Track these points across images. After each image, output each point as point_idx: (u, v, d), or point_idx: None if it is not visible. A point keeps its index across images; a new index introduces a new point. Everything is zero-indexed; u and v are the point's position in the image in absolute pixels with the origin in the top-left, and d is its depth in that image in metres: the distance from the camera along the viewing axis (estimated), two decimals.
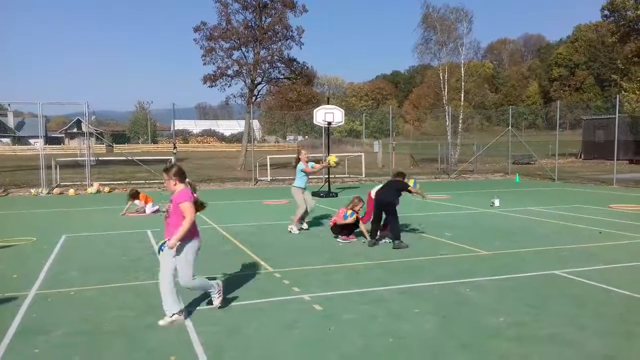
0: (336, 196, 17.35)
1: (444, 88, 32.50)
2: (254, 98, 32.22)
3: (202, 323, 5.22)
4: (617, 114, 21.15)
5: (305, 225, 10.74)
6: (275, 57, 31.77)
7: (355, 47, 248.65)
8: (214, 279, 5.82)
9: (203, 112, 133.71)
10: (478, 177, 26.24)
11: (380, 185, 9.64)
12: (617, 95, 24.14)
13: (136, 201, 13.47)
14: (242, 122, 44.46)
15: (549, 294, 6.11)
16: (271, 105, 36.53)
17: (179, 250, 5.17)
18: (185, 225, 5.10)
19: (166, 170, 5.34)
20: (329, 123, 18.28)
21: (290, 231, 10.33)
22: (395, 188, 9.13)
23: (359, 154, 30.39)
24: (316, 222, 11.50)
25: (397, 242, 8.77)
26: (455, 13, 32.40)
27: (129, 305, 5.83)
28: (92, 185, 20.18)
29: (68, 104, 57.00)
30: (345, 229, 9.38)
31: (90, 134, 24.53)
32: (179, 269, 5.24)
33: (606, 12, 41.32)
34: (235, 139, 78.47)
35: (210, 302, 5.64)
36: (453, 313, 5.47)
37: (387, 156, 30.50)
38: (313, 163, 11.43)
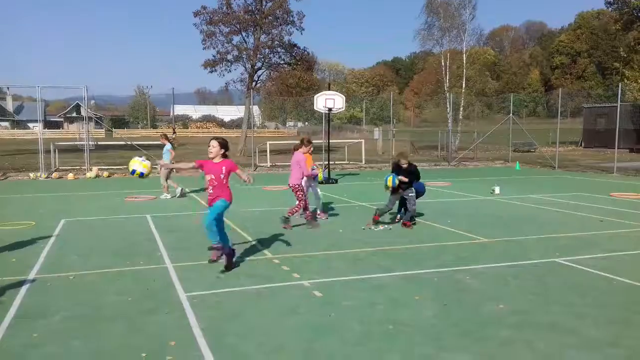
0: (336, 182, 17.31)
1: (446, 75, 32.32)
2: (253, 83, 32.05)
3: (202, 308, 5.20)
4: (619, 102, 21.05)
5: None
6: (276, 42, 31.56)
7: (356, 33, 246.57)
8: None
9: (203, 98, 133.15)
10: (478, 165, 26.18)
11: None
12: (620, 84, 23.99)
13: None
14: (242, 108, 44.28)
15: (550, 282, 6.09)
16: (271, 90, 36.36)
17: None
18: None
19: None
20: (330, 109, 18.16)
21: None
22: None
23: (359, 140, 30.30)
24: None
25: None
26: None
27: (128, 290, 5.81)
28: (91, 169, 20.13)
29: (67, 88, 56.69)
30: None
31: (90, 119, 24.42)
32: None
33: None
34: (235, 124, 78.18)
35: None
36: (453, 300, 5.46)
37: (387, 143, 30.43)
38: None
